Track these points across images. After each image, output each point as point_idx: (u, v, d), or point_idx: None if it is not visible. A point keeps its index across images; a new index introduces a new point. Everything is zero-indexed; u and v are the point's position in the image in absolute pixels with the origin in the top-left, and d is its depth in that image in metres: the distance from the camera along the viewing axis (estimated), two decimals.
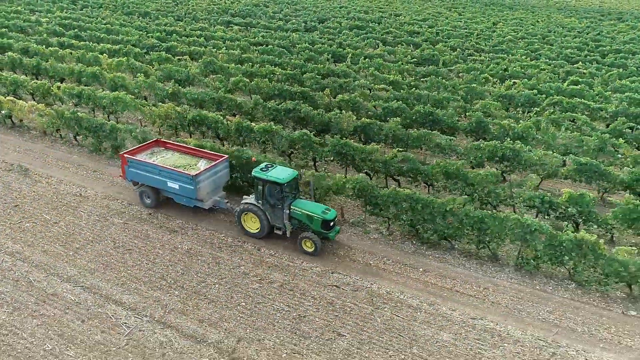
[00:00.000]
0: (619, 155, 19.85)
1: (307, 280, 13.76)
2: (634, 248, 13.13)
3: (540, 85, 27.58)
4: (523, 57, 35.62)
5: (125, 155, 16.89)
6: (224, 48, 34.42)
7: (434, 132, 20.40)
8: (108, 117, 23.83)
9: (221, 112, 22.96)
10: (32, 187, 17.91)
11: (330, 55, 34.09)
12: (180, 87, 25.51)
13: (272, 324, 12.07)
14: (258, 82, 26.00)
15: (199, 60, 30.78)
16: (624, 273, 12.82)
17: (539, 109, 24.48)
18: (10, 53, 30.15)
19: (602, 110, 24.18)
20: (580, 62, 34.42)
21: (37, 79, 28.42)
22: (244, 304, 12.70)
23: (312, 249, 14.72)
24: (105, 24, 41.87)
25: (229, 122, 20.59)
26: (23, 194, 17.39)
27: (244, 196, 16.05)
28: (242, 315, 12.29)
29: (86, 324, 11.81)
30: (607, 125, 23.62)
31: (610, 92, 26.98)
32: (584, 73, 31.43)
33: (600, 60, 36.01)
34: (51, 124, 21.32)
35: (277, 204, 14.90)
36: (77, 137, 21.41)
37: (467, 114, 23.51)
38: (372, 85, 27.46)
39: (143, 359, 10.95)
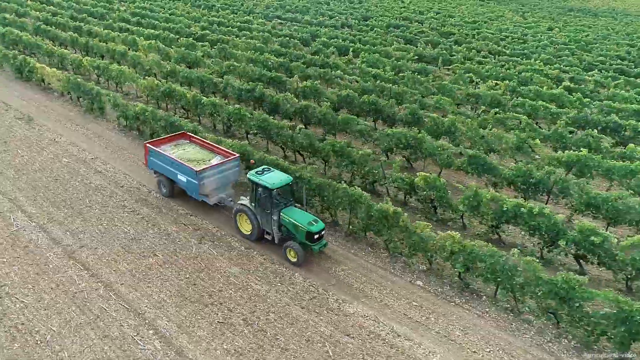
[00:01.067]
0: (536, 156, 19.88)
1: None
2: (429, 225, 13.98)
3: (506, 89, 27.38)
4: (538, 62, 34.52)
5: (147, 144, 17.94)
6: (244, 37, 38.19)
7: (355, 117, 21.99)
8: (116, 86, 28.86)
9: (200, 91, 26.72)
10: (28, 132, 23.07)
11: (334, 49, 36.15)
12: (188, 68, 29.78)
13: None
14: (245, 67, 29.29)
15: (214, 47, 34.84)
16: (423, 246, 13.90)
17: (499, 109, 24.59)
18: (71, 33, 36.90)
19: (563, 115, 23.63)
20: (596, 71, 32.62)
21: (88, 55, 34.64)
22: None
23: (295, 259, 14.51)
24: (170, 14, 48.08)
25: (188, 94, 24.12)
26: (23, 137, 22.58)
27: (241, 197, 16.11)
28: None
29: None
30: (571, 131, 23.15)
31: (590, 100, 25.92)
32: (588, 81, 30.03)
33: (626, 69, 33.68)
34: (63, 87, 26.66)
35: (266, 209, 14.77)
36: (80, 99, 26.49)
37: (405, 105, 24.21)
38: (351, 76, 29.26)
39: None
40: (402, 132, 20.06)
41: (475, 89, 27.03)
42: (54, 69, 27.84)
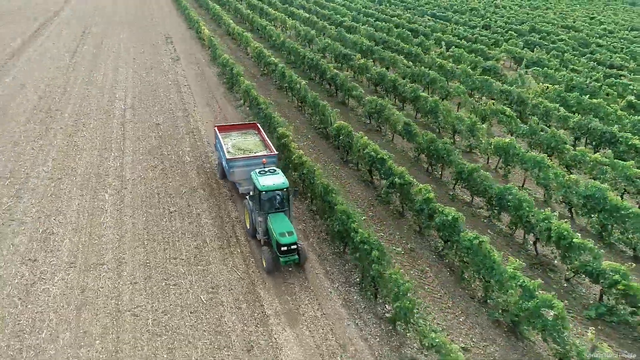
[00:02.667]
0: (481, 139, 21.87)
1: None
2: None
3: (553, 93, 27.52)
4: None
5: (216, 127, 19.98)
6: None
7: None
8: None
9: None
10: None
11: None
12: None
13: None
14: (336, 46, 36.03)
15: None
16: None
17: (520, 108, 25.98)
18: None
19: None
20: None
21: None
22: None
23: (264, 265, 14.42)
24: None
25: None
26: None
27: (251, 192, 15.84)
28: None
29: None
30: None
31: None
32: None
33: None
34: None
35: (255, 209, 14.87)
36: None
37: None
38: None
39: None
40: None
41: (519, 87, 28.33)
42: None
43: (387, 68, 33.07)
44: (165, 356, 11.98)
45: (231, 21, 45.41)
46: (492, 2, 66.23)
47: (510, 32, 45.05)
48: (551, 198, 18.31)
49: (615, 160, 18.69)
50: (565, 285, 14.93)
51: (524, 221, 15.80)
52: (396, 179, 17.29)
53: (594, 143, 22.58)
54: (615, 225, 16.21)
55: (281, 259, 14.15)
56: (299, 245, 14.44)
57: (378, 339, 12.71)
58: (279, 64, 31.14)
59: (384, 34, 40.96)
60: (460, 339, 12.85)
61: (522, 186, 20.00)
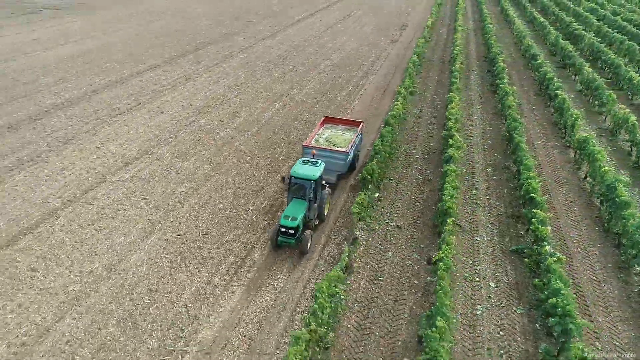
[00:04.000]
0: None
1: None
2: None
3: None
4: None
5: (326, 118, 22.67)
6: None
7: None
8: None
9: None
10: None
11: None
12: None
13: None
14: None
15: None
16: None
17: None
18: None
19: None
20: None
21: None
22: None
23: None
24: None
25: None
26: None
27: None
28: None
29: None
30: None
31: None
32: None
33: None
34: None
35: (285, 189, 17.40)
36: None
37: None
38: None
39: None
40: None
41: None
42: None
43: None
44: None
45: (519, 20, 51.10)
46: None
47: None
48: None
49: None
50: None
51: None
52: None
53: None
54: None
55: (279, 238, 16.03)
56: (305, 233, 16.17)
57: None
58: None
59: None
60: None
61: None
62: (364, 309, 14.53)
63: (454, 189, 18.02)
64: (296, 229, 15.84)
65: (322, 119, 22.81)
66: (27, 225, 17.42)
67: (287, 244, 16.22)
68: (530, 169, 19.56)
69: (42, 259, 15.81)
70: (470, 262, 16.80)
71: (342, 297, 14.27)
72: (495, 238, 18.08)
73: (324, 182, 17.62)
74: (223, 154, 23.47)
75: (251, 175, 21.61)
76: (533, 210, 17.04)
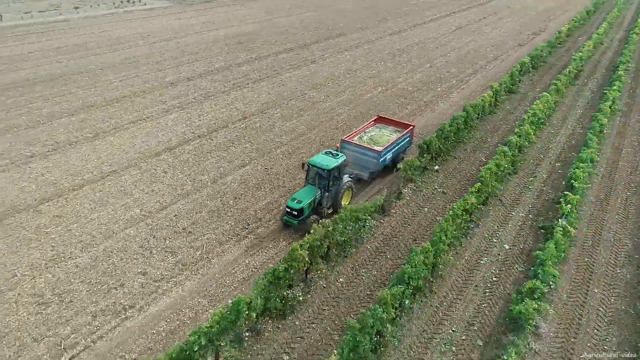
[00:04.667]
0: None
1: None
2: None
3: None
4: None
5: (379, 116, 24.53)
6: None
7: None
8: None
9: None
10: None
11: None
12: None
13: None
14: None
15: None
16: None
17: None
18: None
19: None
20: None
21: None
22: None
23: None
24: None
25: None
26: None
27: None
28: None
29: None
30: None
31: None
32: None
33: None
34: None
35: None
36: None
37: None
38: None
39: None
40: None
41: None
42: None
43: None
44: None
45: None
46: None
47: None
48: None
49: None
50: None
51: None
52: None
53: None
54: None
55: (284, 217, 17.80)
56: (312, 217, 17.39)
57: None
58: None
59: None
60: None
61: None
62: (386, 239, 18.06)
63: (496, 165, 20.26)
64: (300, 211, 17.17)
65: (375, 117, 24.16)
66: (166, 146, 24.32)
67: (291, 223, 17.64)
68: (584, 161, 20.66)
69: (171, 167, 22.39)
70: (496, 228, 19.07)
71: (368, 224, 18.07)
72: (530, 215, 19.90)
73: (348, 175, 19.11)
74: (320, 119, 28.34)
75: (336, 137, 26.06)
76: (566, 192, 18.60)
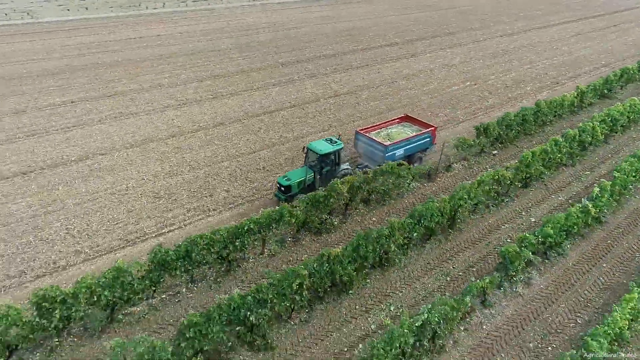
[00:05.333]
0: None
1: None
2: None
3: None
4: None
5: (403, 117, 24.86)
6: None
7: None
8: None
9: None
10: None
11: None
12: None
13: None
14: None
15: None
16: None
17: None
18: None
19: None
20: None
21: None
22: None
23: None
24: None
25: None
26: None
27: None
28: None
29: None
30: None
31: None
32: None
33: None
34: None
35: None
36: None
37: None
38: None
39: None
40: None
41: None
42: None
43: None
44: None
45: None
46: None
47: None
48: None
49: None
50: None
51: None
52: None
53: None
54: None
55: (276, 192, 19.75)
56: (299, 196, 18.45)
57: None
58: None
59: None
60: None
61: None
62: (424, 199, 21.08)
63: (544, 152, 21.93)
64: (287, 188, 18.84)
65: (402, 115, 24.66)
66: (265, 110, 29.70)
67: (279, 198, 19.26)
68: (636, 156, 21.35)
69: (265, 126, 27.68)
70: (530, 205, 20.99)
71: (410, 183, 21.30)
72: (570, 201, 21.32)
73: (347, 164, 20.85)
74: (401, 103, 31.65)
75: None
76: (602, 179, 19.84)
